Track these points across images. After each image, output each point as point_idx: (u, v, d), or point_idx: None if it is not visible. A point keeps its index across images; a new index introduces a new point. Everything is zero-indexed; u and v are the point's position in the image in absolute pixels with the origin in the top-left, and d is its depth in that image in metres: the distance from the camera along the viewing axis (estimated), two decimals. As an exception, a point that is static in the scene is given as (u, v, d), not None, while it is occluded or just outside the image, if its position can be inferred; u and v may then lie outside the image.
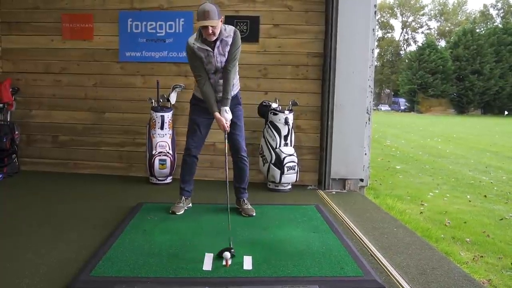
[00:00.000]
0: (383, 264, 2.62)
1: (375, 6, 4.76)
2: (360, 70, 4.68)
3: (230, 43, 3.34)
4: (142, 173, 5.08)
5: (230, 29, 3.35)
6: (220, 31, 3.27)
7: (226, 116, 3.38)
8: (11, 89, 5.09)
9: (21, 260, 2.56)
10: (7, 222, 3.33)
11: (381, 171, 8.18)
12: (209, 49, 3.30)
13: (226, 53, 3.35)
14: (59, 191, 4.44)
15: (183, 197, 3.67)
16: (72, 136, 5.28)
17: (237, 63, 3.48)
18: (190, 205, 3.73)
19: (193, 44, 3.32)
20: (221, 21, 3.24)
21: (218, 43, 3.29)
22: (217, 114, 3.39)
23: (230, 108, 3.45)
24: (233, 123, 3.54)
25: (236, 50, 3.38)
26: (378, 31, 56.27)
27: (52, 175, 5.12)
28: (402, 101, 49.27)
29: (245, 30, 4.90)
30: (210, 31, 3.19)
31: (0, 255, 2.62)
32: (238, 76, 3.60)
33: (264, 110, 4.72)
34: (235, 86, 3.56)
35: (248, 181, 3.77)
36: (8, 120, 5.06)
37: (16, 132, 5.05)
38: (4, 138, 4.85)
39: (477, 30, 45.24)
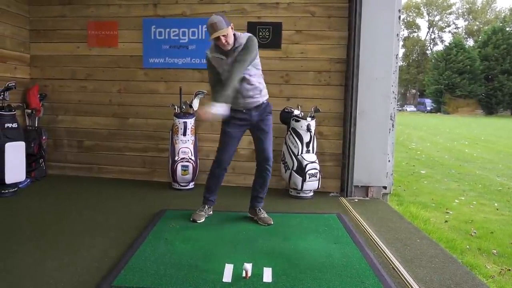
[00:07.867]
0: (405, 279, 2.57)
1: (399, 11, 4.68)
2: (384, 76, 4.62)
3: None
4: (165, 178, 5.14)
5: (244, 36, 3.32)
6: (236, 38, 3.27)
7: (208, 109, 3.21)
8: (39, 95, 5.23)
9: (46, 267, 2.62)
10: (33, 227, 3.41)
11: (405, 176, 8.04)
12: (223, 57, 3.30)
13: None
14: (84, 195, 4.53)
15: (206, 206, 3.69)
16: (97, 141, 5.38)
17: (257, 70, 3.42)
18: (211, 212, 3.74)
19: (209, 53, 3.37)
20: (231, 28, 3.23)
21: (235, 53, 3.27)
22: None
23: (262, 116, 3.49)
24: (263, 131, 3.53)
25: (243, 51, 3.25)
26: (403, 30, 55.45)
27: (78, 179, 5.24)
28: (428, 101, 48.30)
29: (267, 36, 4.89)
30: (224, 41, 3.20)
31: (25, 262, 2.70)
32: (264, 84, 3.55)
33: (286, 117, 4.70)
34: (263, 92, 3.50)
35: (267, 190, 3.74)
36: (36, 125, 5.20)
37: (44, 137, 5.17)
38: (32, 143, 4.97)
39: (507, 29, 43.88)
